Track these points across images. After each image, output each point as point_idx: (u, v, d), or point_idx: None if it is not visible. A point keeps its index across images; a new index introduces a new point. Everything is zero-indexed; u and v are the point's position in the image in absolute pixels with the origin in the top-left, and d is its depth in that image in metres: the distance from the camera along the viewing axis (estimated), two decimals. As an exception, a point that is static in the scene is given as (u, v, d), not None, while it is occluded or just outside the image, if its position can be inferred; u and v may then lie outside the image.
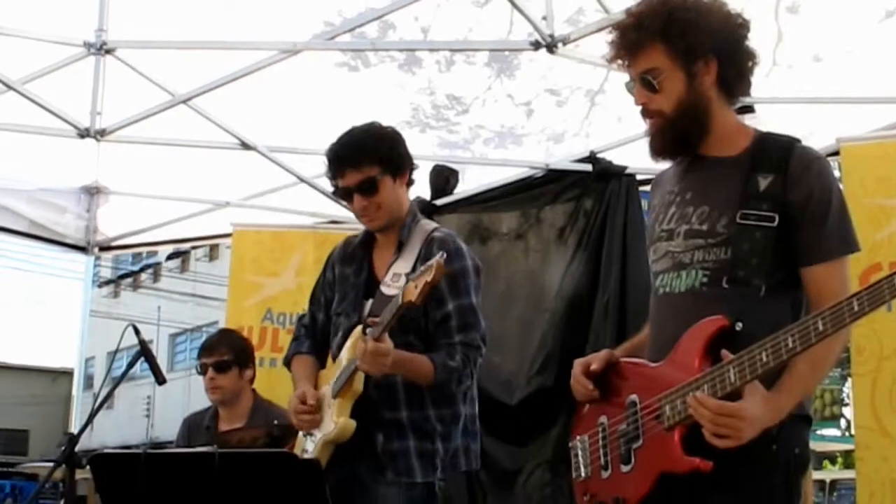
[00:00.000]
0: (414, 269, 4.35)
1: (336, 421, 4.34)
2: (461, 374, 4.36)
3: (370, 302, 4.52)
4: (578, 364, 3.60)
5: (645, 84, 3.43)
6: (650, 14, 3.38)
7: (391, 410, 4.40)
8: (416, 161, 4.64)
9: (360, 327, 4.39)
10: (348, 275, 4.68)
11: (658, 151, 3.51)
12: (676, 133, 3.44)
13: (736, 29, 3.44)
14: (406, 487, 4.36)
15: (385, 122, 4.62)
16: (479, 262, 4.62)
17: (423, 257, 4.40)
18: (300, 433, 4.64)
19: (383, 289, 4.45)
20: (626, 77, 3.57)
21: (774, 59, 6.05)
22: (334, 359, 4.60)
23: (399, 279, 4.38)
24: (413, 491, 4.37)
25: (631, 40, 3.42)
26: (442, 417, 4.45)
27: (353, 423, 4.33)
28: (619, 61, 3.50)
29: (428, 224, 4.66)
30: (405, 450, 4.37)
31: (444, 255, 3.94)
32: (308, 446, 4.49)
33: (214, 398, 6.09)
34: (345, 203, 4.77)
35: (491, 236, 8.09)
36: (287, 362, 4.87)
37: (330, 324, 4.73)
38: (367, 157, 4.46)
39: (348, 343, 4.46)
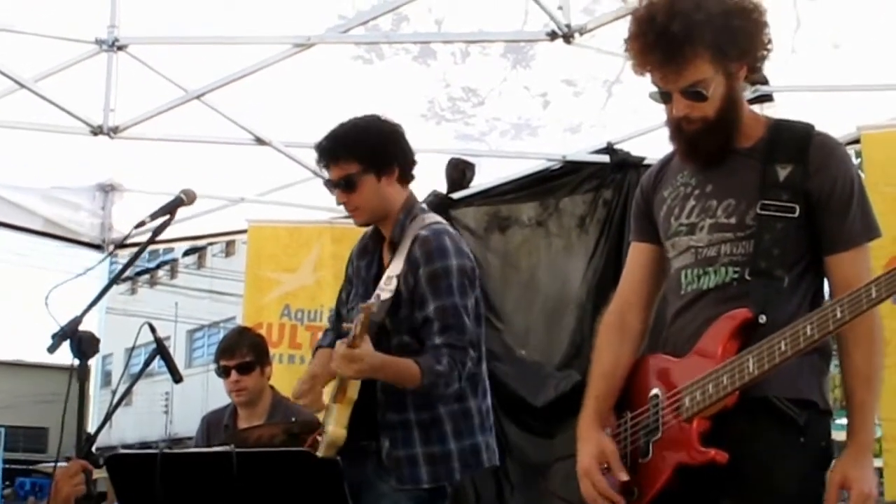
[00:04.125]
0: (401, 270, 4.36)
1: (329, 430, 4.31)
2: (448, 378, 4.23)
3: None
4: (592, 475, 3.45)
5: (692, 96, 3.30)
6: (694, 24, 3.22)
7: (398, 412, 4.34)
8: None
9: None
10: (361, 268, 4.65)
11: (705, 153, 3.40)
12: (722, 135, 3.37)
13: (762, 24, 3.37)
14: (412, 493, 4.30)
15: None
16: (472, 261, 4.49)
17: (407, 257, 4.38)
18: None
19: (378, 292, 4.39)
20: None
21: (793, 47, 5.99)
22: None
23: (391, 282, 4.36)
24: (420, 495, 4.31)
25: (678, 55, 3.24)
26: (453, 415, 4.38)
27: (341, 434, 4.27)
28: (656, 73, 3.33)
29: (424, 220, 4.52)
30: (413, 457, 4.31)
31: (371, 303, 4.04)
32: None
33: (240, 400, 6.05)
34: None
35: (511, 224, 8.06)
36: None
37: None
38: (345, 154, 4.41)
39: None
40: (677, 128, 3.38)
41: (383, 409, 4.34)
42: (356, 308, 4.49)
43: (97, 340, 3.97)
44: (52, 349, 3.93)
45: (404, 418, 4.33)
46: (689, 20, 3.22)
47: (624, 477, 3.36)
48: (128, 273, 46.34)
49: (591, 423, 3.50)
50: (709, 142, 3.36)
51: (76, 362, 3.91)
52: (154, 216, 4.25)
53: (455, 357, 4.24)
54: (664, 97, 3.36)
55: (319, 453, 4.30)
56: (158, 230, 4.27)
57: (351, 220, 4.86)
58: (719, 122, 3.33)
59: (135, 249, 4.96)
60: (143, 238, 9.13)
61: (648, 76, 3.42)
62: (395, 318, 4.32)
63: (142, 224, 4.22)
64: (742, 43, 3.31)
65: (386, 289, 4.35)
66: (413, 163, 4.60)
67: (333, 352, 4.14)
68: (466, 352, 4.29)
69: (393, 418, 4.33)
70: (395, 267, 4.39)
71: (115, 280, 4.45)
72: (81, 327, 4.04)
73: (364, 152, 4.42)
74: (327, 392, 4.55)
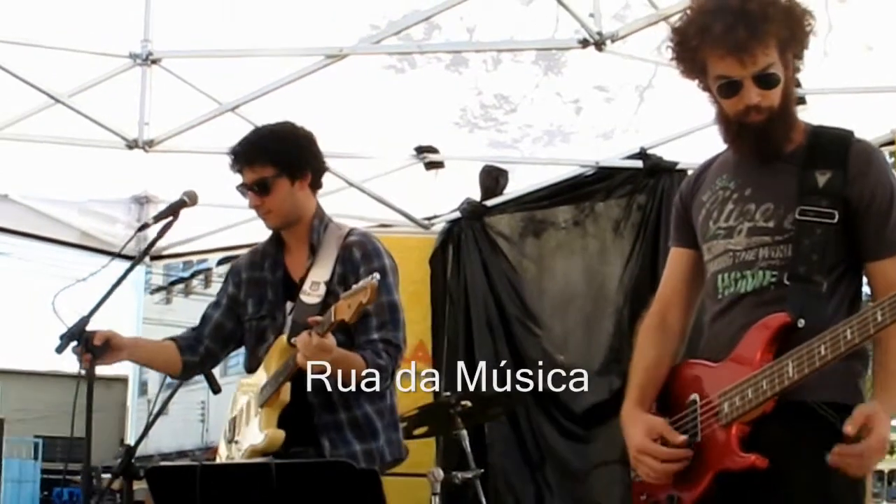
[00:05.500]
0: (332, 274, 4.42)
1: (265, 432, 4.34)
2: (386, 374, 4.33)
3: (290, 305, 4.54)
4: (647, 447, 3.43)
5: (766, 81, 3.27)
6: (767, 4, 3.22)
7: (331, 413, 4.41)
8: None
9: (283, 337, 4.42)
10: (261, 276, 4.70)
11: (774, 145, 3.36)
12: (787, 127, 3.36)
13: (812, 27, 3.36)
14: None
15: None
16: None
17: (342, 260, 4.46)
18: (222, 442, 4.70)
19: (303, 297, 4.46)
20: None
21: (825, 50, 5.96)
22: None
23: (318, 287, 4.44)
24: None
25: (756, 36, 3.21)
26: (380, 412, 4.48)
27: (281, 434, 4.33)
28: (730, 59, 3.26)
29: (341, 228, 4.65)
30: (353, 454, 4.38)
31: (377, 276, 3.95)
32: (234, 454, 4.51)
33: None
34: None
35: (547, 228, 8.07)
36: None
37: (229, 321, 4.86)
38: (261, 158, 4.52)
39: (272, 354, 4.48)
40: (742, 119, 3.33)
41: (319, 412, 4.41)
42: (273, 317, 4.60)
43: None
44: (59, 349, 4.02)
45: (336, 418, 4.41)
46: (762, 1, 3.23)
47: (679, 439, 3.34)
48: (161, 283, 46.53)
49: (634, 407, 3.53)
50: (776, 133, 3.34)
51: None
52: (157, 218, 4.32)
53: (390, 353, 4.37)
54: (732, 87, 3.29)
55: (255, 449, 4.36)
56: (162, 232, 4.36)
57: (383, 230, 4.89)
58: (783, 113, 3.33)
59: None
60: (179, 249, 9.20)
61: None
62: None
63: (146, 226, 4.31)
64: (801, 36, 3.32)
65: (313, 294, 4.43)
66: (324, 170, 4.74)
67: (301, 342, 4.08)
68: (399, 349, 4.42)
69: (327, 419, 4.40)
70: (321, 272, 4.47)
71: (118, 282, 4.47)
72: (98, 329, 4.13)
73: (279, 157, 4.53)
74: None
